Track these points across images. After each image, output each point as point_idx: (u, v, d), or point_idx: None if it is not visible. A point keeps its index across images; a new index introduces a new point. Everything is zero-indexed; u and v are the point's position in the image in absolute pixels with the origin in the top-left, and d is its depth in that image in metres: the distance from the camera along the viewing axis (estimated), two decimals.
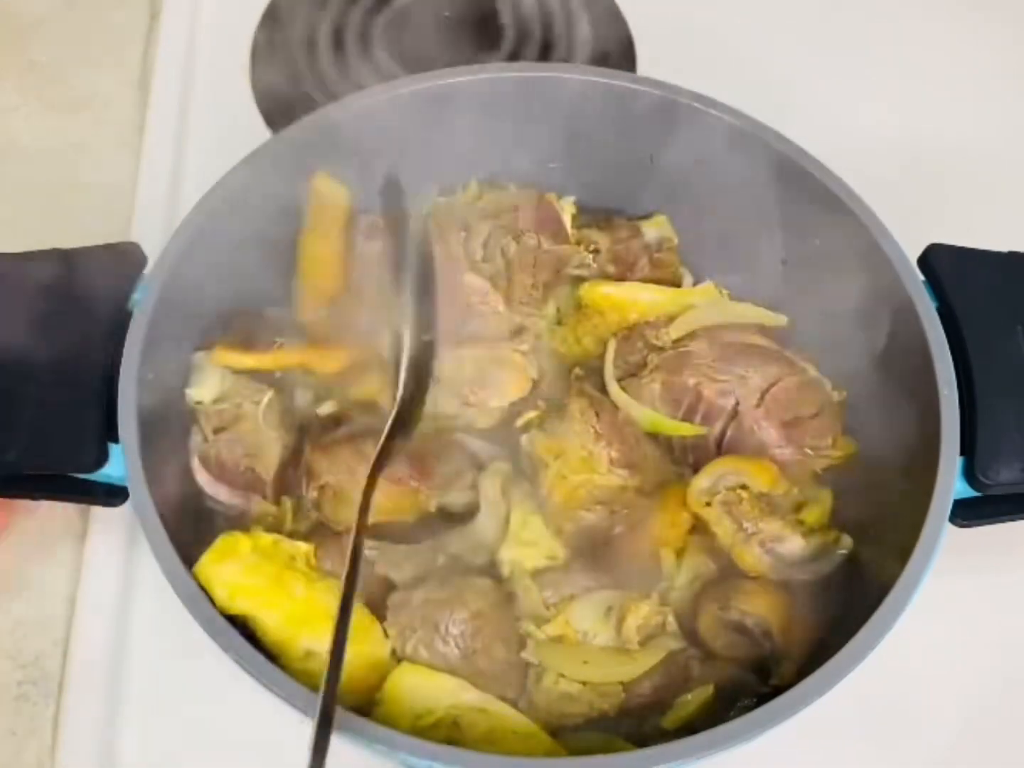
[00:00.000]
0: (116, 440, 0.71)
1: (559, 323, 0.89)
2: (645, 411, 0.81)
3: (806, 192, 0.82)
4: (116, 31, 1.13)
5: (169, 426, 0.79)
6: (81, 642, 0.83)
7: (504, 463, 0.78)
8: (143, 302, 0.74)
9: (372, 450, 0.77)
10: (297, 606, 0.71)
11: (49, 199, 1.03)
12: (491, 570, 0.79)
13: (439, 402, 0.84)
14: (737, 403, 0.81)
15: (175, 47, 1.10)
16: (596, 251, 0.89)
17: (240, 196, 0.80)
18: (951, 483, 0.71)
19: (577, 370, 0.81)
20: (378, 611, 0.75)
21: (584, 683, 0.73)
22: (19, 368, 0.73)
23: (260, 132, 1.05)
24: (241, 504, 0.80)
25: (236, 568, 0.71)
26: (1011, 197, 1.05)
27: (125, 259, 0.77)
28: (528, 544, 0.78)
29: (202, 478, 0.80)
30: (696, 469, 0.82)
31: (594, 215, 0.91)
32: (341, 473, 0.76)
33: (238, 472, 0.78)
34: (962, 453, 0.73)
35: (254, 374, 0.81)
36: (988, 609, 0.87)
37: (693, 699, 0.74)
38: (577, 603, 0.76)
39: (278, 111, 1.06)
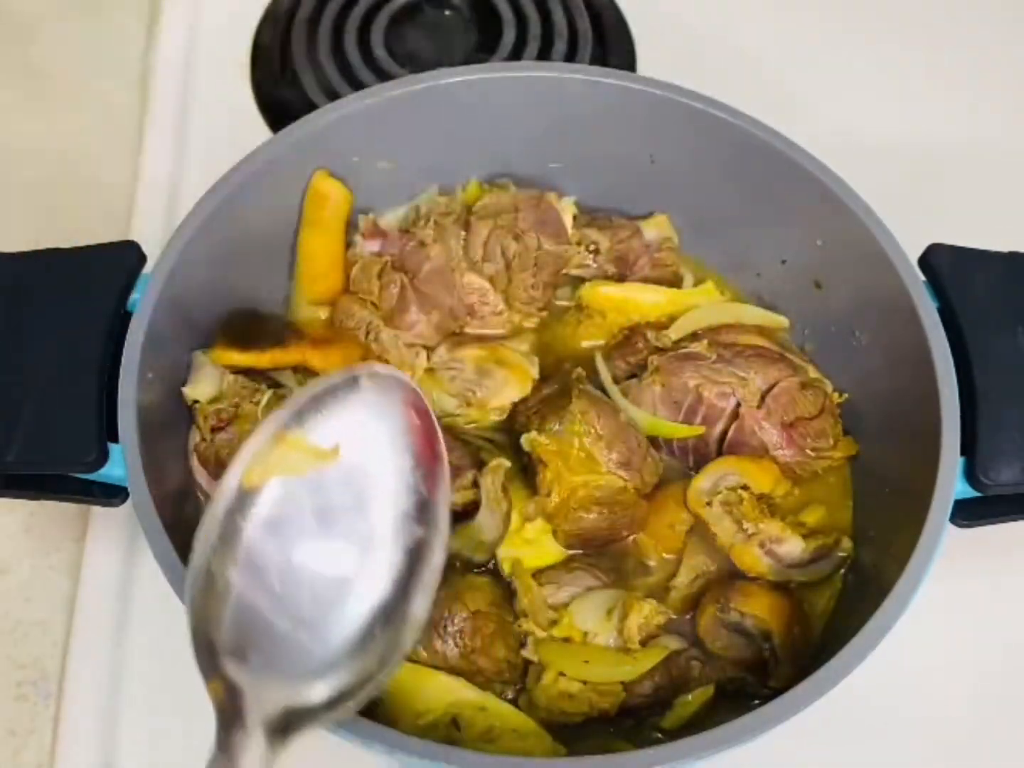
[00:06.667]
0: (116, 440, 0.71)
1: (560, 323, 0.89)
2: (643, 414, 0.81)
3: (806, 192, 0.82)
4: (116, 31, 1.13)
5: (169, 426, 0.79)
6: (81, 642, 0.83)
7: (505, 460, 0.78)
8: (143, 302, 0.74)
9: None
10: None
11: (49, 199, 1.03)
12: (491, 568, 0.79)
13: (439, 402, 0.84)
14: (738, 404, 0.81)
15: (175, 47, 1.10)
16: (596, 251, 0.89)
17: (240, 196, 0.79)
18: (952, 483, 0.71)
19: (579, 370, 0.81)
20: None
21: (584, 682, 0.73)
22: (19, 368, 0.73)
23: (260, 132, 1.05)
24: None
25: None
26: (1011, 197, 1.05)
27: (124, 259, 0.77)
28: (528, 543, 0.78)
29: (201, 478, 0.80)
30: (697, 470, 0.82)
31: (594, 215, 0.91)
32: None
33: None
34: (963, 453, 0.73)
35: (253, 373, 0.81)
36: (988, 609, 0.87)
37: (693, 699, 0.74)
38: (578, 603, 0.76)
39: (278, 111, 1.06)
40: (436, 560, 0.61)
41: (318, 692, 0.57)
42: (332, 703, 0.57)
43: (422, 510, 0.62)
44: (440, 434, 0.65)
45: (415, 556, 0.60)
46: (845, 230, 0.81)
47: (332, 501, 0.60)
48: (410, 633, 0.60)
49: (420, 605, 0.60)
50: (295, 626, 0.58)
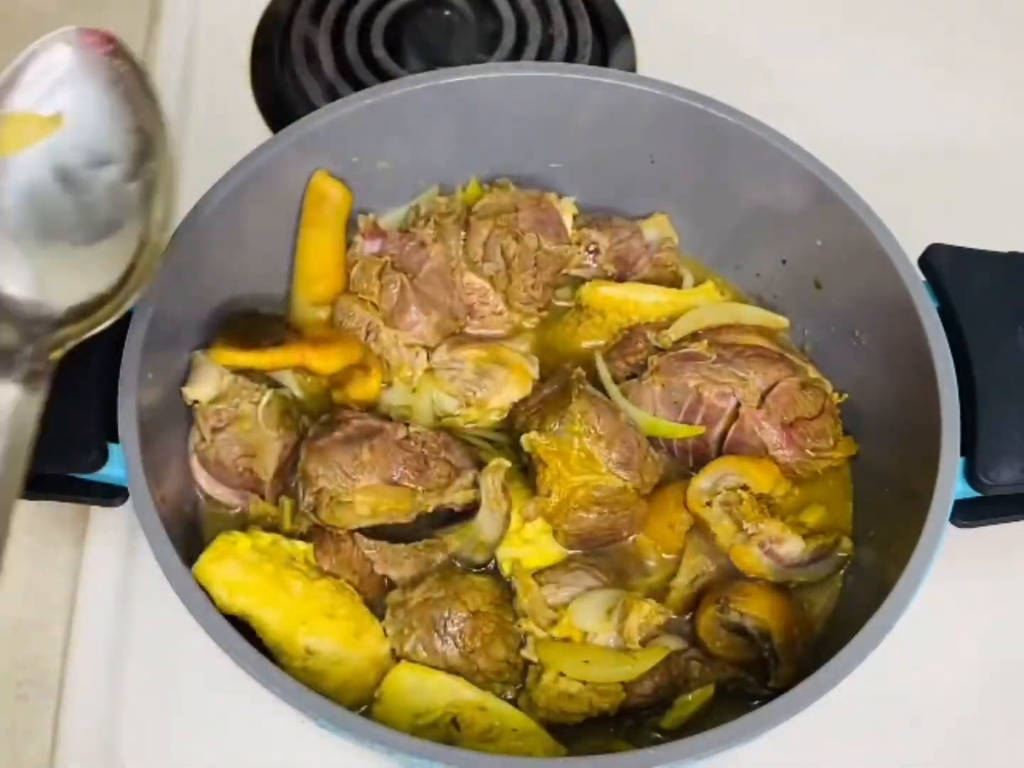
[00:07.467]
0: (116, 440, 0.71)
1: (560, 323, 0.89)
2: (643, 414, 0.81)
3: (807, 192, 0.82)
4: (116, 30, 1.13)
5: (169, 426, 0.79)
6: (81, 642, 0.83)
7: (505, 460, 0.78)
8: (143, 302, 0.74)
9: (368, 453, 0.77)
10: (296, 604, 0.72)
11: None
12: (491, 569, 0.79)
13: (439, 402, 0.84)
14: (738, 404, 0.81)
15: (175, 47, 1.10)
16: (596, 251, 0.89)
17: (240, 196, 0.80)
18: (952, 483, 0.71)
19: (579, 370, 0.81)
20: (377, 610, 0.76)
21: (584, 682, 0.73)
22: None
23: (260, 132, 1.05)
24: (240, 504, 0.80)
25: (235, 567, 0.71)
26: (1011, 197, 1.05)
27: None
28: (528, 543, 0.78)
29: (201, 478, 0.80)
30: (697, 470, 0.82)
31: (594, 215, 0.91)
32: (336, 477, 0.76)
33: (236, 472, 0.78)
34: (963, 454, 0.73)
35: (253, 374, 0.81)
36: (988, 609, 0.87)
37: (693, 699, 0.74)
38: (578, 603, 0.76)
39: (278, 111, 1.06)
40: (169, 175, 0.68)
41: (80, 294, 0.66)
42: (93, 307, 0.66)
43: (149, 146, 0.68)
44: (148, 74, 0.70)
45: (151, 184, 0.68)
46: (845, 230, 0.81)
47: (71, 159, 0.67)
48: (155, 235, 0.68)
49: (159, 211, 0.68)
50: (61, 254, 0.67)
